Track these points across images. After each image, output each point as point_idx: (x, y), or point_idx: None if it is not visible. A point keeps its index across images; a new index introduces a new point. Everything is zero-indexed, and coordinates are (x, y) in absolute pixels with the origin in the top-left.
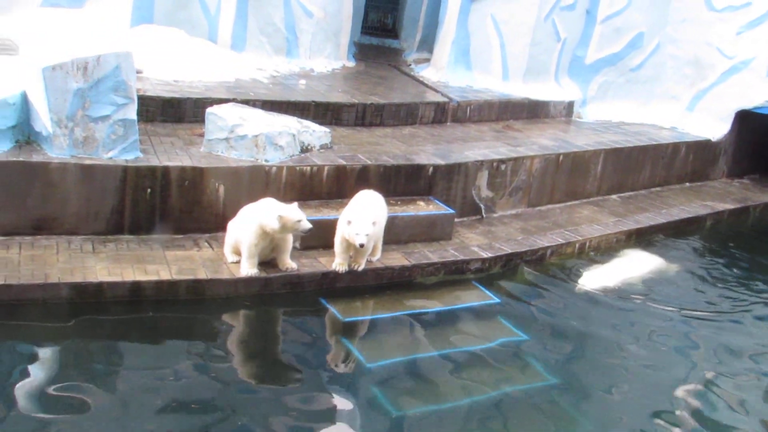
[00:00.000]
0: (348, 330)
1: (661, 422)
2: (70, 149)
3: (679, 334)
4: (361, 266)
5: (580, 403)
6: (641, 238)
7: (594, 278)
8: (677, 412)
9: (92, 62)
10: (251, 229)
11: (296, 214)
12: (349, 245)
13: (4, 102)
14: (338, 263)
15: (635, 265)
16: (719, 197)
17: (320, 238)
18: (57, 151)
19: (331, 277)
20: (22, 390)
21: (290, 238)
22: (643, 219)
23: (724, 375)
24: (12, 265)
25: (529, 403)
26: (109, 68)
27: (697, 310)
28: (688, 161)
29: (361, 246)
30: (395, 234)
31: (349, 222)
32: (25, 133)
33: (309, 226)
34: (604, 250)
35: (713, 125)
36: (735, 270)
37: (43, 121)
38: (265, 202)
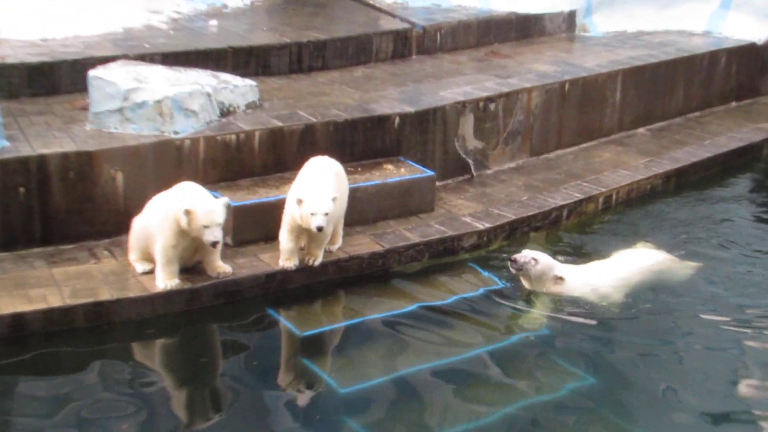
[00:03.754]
0: (309, 347)
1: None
2: None
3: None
4: (318, 259)
5: (623, 405)
6: (683, 181)
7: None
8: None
9: None
10: (165, 226)
11: (208, 214)
12: (299, 233)
13: None
14: (286, 258)
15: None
16: None
17: (259, 228)
18: None
19: (279, 278)
20: None
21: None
22: (683, 155)
23: None
24: None
25: (564, 408)
26: None
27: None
28: (731, 73)
29: (320, 230)
30: (359, 211)
31: (300, 200)
32: None
33: (214, 239)
34: (638, 201)
35: (758, 24)
36: None
37: None
38: (184, 188)
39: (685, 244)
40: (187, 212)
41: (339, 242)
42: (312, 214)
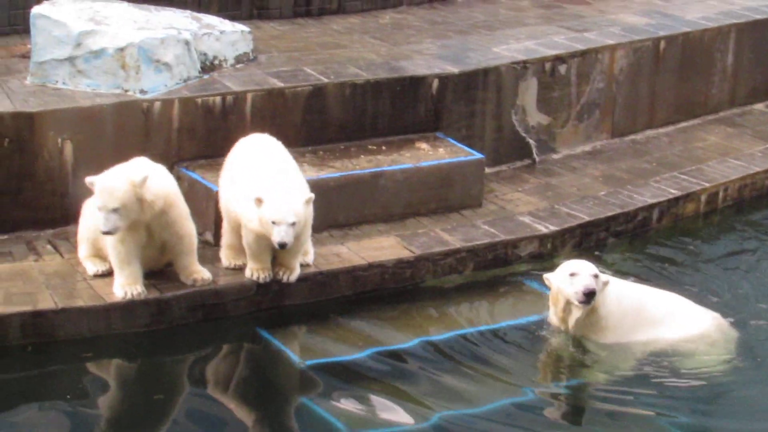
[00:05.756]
0: (312, 381)
1: None
2: None
3: None
4: (295, 273)
5: None
6: None
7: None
8: None
9: None
10: None
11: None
12: (263, 238)
13: None
14: (254, 268)
15: None
16: None
17: None
18: None
19: (274, 290)
20: None
21: (188, 229)
22: None
23: None
24: None
25: None
26: None
27: None
28: None
29: (282, 247)
30: (382, 204)
31: (260, 200)
32: None
33: (105, 228)
34: (753, 202)
35: None
36: None
37: None
38: (129, 165)
39: None
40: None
41: (310, 256)
42: (274, 222)
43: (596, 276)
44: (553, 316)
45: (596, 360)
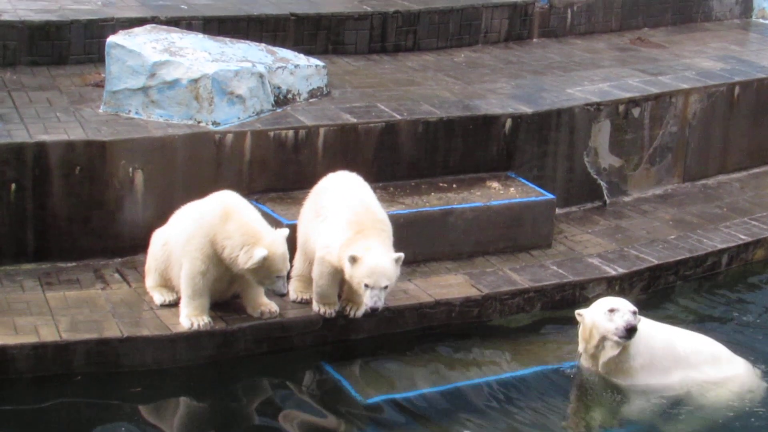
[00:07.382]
0: (375, 420)
1: None
2: None
3: None
4: (361, 310)
5: None
6: None
7: None
8: None
9: None
10: (195, 246)
11: (282, 260)
12: (339, 273)
13: None
14: (322, 302)
15: None
16: None
17: None
18: None
19: (341, 324)
20: None
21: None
22: None
23: None
24: None
25: None
26: None
27: None
28: None
29: (374, 312)
30: (451, 242)
31: (356, 258)
32: None
33: (285, 290)
34: None
35: None
36: None
37: None
38: (221, 199)
39: None
40: (264, 259)
41: None
42: (368, 286)
43: (635, 313)
44: (582, 355)
45: (626, 404)
